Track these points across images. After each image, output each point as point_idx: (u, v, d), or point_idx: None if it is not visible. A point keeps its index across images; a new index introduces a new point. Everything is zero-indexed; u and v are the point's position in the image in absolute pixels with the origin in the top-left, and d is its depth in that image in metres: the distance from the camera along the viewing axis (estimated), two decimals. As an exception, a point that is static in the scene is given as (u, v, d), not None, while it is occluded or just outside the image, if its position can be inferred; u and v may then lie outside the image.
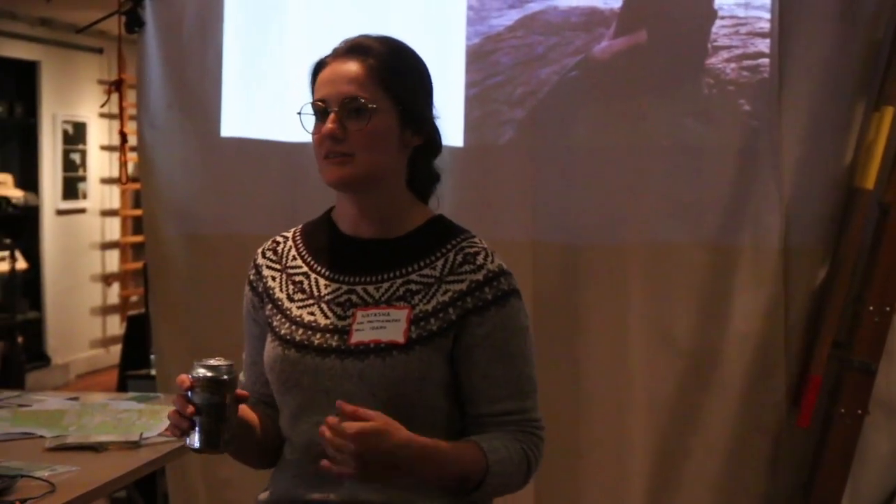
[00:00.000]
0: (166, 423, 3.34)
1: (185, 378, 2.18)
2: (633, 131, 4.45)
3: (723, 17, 4.36)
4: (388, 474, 2.16)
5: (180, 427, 2.19)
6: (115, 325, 11.12)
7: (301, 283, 2.41)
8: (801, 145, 4.31)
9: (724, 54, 4.37)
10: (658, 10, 4.46)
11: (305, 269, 2.43)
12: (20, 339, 9.27)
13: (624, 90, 4.46)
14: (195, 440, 2.18)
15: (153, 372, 5.22)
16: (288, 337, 2.35)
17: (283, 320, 2.38)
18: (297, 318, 2.37)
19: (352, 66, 2.33)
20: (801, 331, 4.36)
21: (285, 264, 2.45)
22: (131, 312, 9.09)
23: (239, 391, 2.22)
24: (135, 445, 3.27)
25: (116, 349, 9.04)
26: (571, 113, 4.50)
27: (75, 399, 3.86)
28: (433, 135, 2.42)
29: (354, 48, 2.35)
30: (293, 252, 2.46)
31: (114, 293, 11.29)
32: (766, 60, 4.32)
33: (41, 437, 3.36)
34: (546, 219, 4.52)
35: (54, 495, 2.80)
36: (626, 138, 4.45)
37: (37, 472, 2.94)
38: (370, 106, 2.29)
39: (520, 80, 4.53)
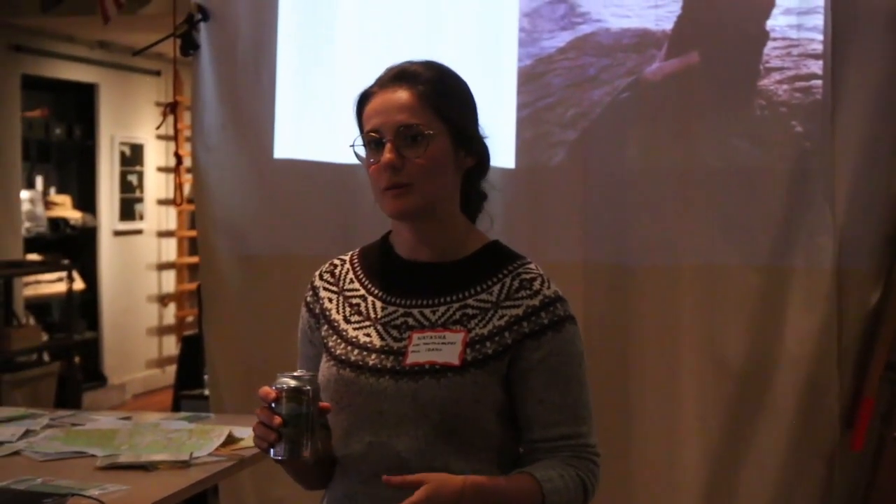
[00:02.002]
0: (216, 442, 3.41)
1: (269, 390, 2.20)
2: (684, 153, 4.44)
3: (775, 39, 4.35)
4: None
5: (267, 439, 2.20)
6: (171, 346, 11.18)
7: (358, 305, 2.41)
8: (854, 166, 4.29)
9: (777, 76, 4.36)
10: (710, 32, 4.45)
11: (363, 291, 2.43)
12: (77, 360, 9.33)
13: (675, 112, 4.46)
14: (280, 451, 2.20)
15: (207, 392, 5.25)
16: (343, 357, 2.36)
17: (339, 341, 2.39)
18: (353, 339, 2.37)
19: (402, 94, 2.31)
20: (854, 353, 4.34)
21: (342, 287, 2.46)
22: (187, 333, 9.15)
23: (322, 403, 2.24)
24: (185, 465, 3.28)
25: (172, 369, 9.07)
26: (623, 134, 4.50)
27: (128, 419, 3.89)
28: (483, 154, 2.42)
29: (401, 76, 2.34)
30: (350, 275, 2.47)
31: (170, 314, 11.36)
32: (818, 82, 4.30)
33: (93, 456, 3.38)
34: (597, 240, 4.52)
35: (105, 514, 2.82)
36: (678, 160, 4.45)
37: (87, 491, 2.95)
38: (427, 132, 2.28)
39: (571, 102, 4.54)
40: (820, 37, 4.29)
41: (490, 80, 4.50)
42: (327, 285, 2.48)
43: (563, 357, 2.32)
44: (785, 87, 4.34)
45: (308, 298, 2.50)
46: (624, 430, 4.48)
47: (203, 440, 3.49)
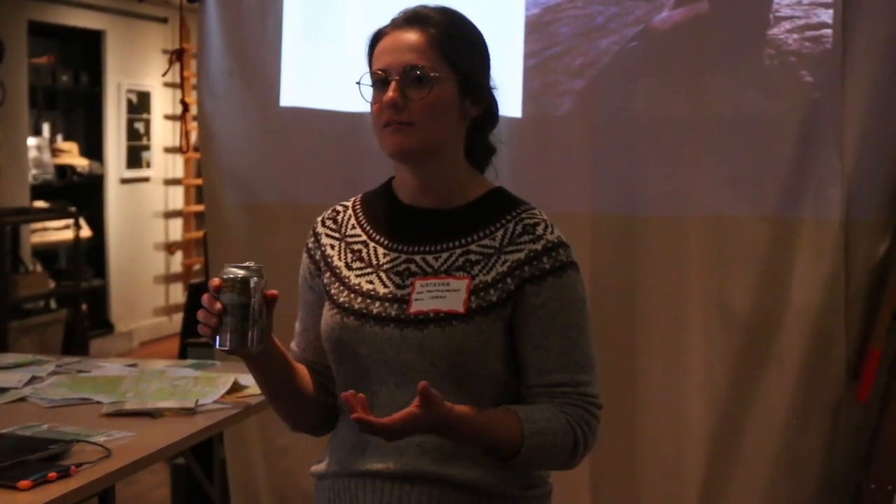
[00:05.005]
0: (222, 389, 3.42)
1: (215, 279, 2.18)
2: (693, 102, 4.41)
3: (785, -12, 4.32)
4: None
5: (208, 324, 2.18)
6: (178, 294, 11.21)
7: (360, 251, 2.40)
8: (863, 117, 4.25)
9: (787, 25, 4.32)
10: (719, -20, 4.41)
11: (364, 237, 2.41)
12: (84, 307, 9.36)
13: (684, 61, 4.42)
14: (225, 340, 2.18)
15: (213, 340, 5.24)
16: (346, 305, 2.34)
17: (342, 288, 2.37)
18: (356, 287, 2.35)
19: (412, 36, 2.31)
20: (862, 304, 4.32)
21: (344, 233, 2.44)
22: (193, 281, 9.16)
23: (269, 291, 2.21)
24: (190, 412, 3.29)
25: (179, 317, 9.12)
26: (631, 84, 4.47)
27: (133, 366, 3.89)
28: (491, 105, 2.40)
29: (414, 18, 2.34)
30: (353, 221, 2.45)
31: (177, 261, 11.38)
32: (829, 31, 4.27)
33: (98, 402, 3.39)
34: (605, 190, 4.49)
35: (110, 460, 2.83)
36: (687, 109, 4.41)
37: (93, 438, 2.97)
38: (432, 74, 2.27)
39: (579, 51, 4.50)
40: (831, -15, 4.26)
41: (497, 28, 4.45)
42: (329, 231, 2.46)
43: (562, 303, 2.29)
44: (795, 36, 4.31)
45: (309, 244, 2.48)
46: (630, 381, 4.48)
47: (209, 387, 3.51)
